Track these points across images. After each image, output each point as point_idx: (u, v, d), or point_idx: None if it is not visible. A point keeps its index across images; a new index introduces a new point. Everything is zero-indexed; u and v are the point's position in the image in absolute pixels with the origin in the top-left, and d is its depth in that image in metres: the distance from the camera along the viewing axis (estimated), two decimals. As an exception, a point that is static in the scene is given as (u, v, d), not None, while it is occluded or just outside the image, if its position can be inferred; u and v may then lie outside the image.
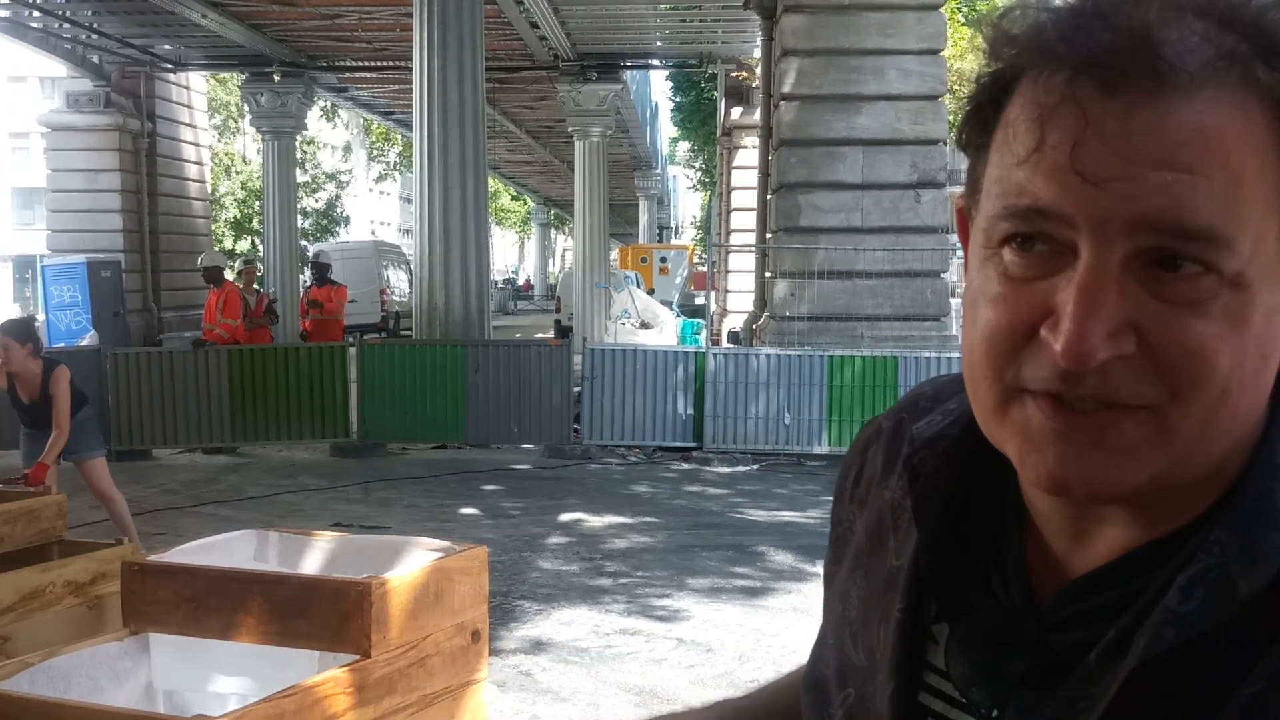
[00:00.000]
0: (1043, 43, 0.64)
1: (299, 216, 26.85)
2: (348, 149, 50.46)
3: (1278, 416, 0.67)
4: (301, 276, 22.44)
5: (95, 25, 19.97)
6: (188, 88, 23.69)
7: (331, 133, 46.34)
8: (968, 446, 0.75)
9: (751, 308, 15.40)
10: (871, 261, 11.99)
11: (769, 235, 13.47)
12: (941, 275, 12.48)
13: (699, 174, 47.01)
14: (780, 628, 5.98)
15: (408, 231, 42.00)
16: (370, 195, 57.08)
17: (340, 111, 38.83)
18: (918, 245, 12.08)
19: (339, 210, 43.67)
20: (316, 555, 3.43)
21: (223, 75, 30.73)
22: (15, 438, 7.42)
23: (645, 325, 18.96)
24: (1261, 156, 0.61)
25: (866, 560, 0.84)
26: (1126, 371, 0.61)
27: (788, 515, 9.03)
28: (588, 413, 11.83)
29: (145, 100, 21.94)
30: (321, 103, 31.84)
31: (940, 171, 12.34)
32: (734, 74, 22.90)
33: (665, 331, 18.80)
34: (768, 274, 13.40)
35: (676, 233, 69.39)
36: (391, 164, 50.09)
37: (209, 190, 26.71)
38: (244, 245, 38.04)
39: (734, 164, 23.77)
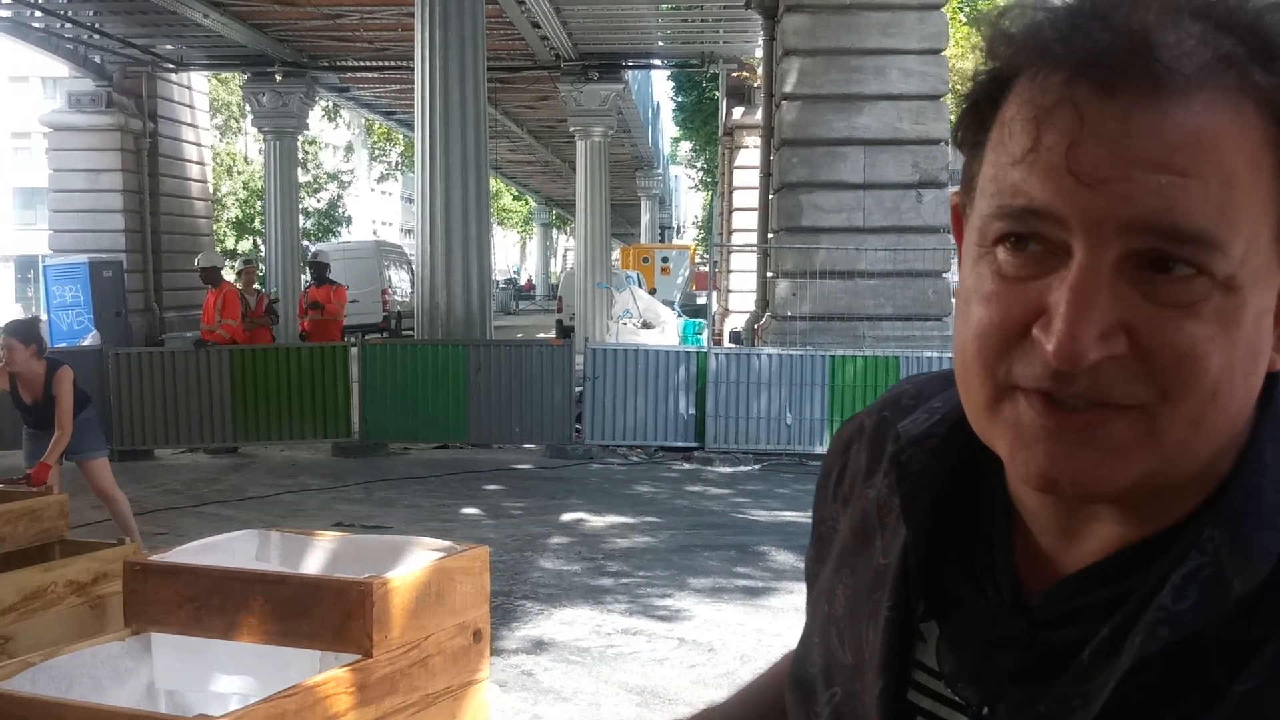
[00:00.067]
0: (1040, 42, 0.64)
1: (301, 216, 26.86)
2: (349, 149, 50.46)
3: (1267, 416, 0.67)
4: (303, 276, 22.44)
5: (97, 25, 19.99)
6: (189, 88, 23.70)
7: (333, 133, 46.35)
8: (955, 444, 0.76)
9: (753, 308, 15.41)
10: (873, 261, 11.99)
11: (770, 235, 13.47)
12: (943, 275, 12.47)
13: (700, 174, 47.03)
14: (782, 627, 5.98)
15: (409, 231, 41.98)
16: (372, 195, 57.07)
17: (342, 111, 38.84)
18: (919, 245, 12.07)
19: (341, 210, 43.69)
20: (318, 555, 3.43)
21: (224, 75, 30.75)
22: (18, 438, 7.43)
23: (647, 325, 18.97)
24: (1256, 160, 0.62)
25: (852, 559, 0.84)
26: (1118, 372, 0.62)
27: (789, 515, 9.03)
28: (589, 413, 11.84)
29: (147, 100, 21.96)
30: (323, 103, 31.88)
31: (942, 171, 12.33)
32: (735, 74, 22.89)
33: (667, 331, 18.80)
34: (769, 274, 13.40)
35: (678, 232, 69.36)
36: (393, 164, 50.11)
37: (211, 190, 26.72)
38: (246, 245, 38.07)
39: (735, 164, 23.76)
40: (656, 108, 44.51)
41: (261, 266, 22.63)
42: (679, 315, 21.10)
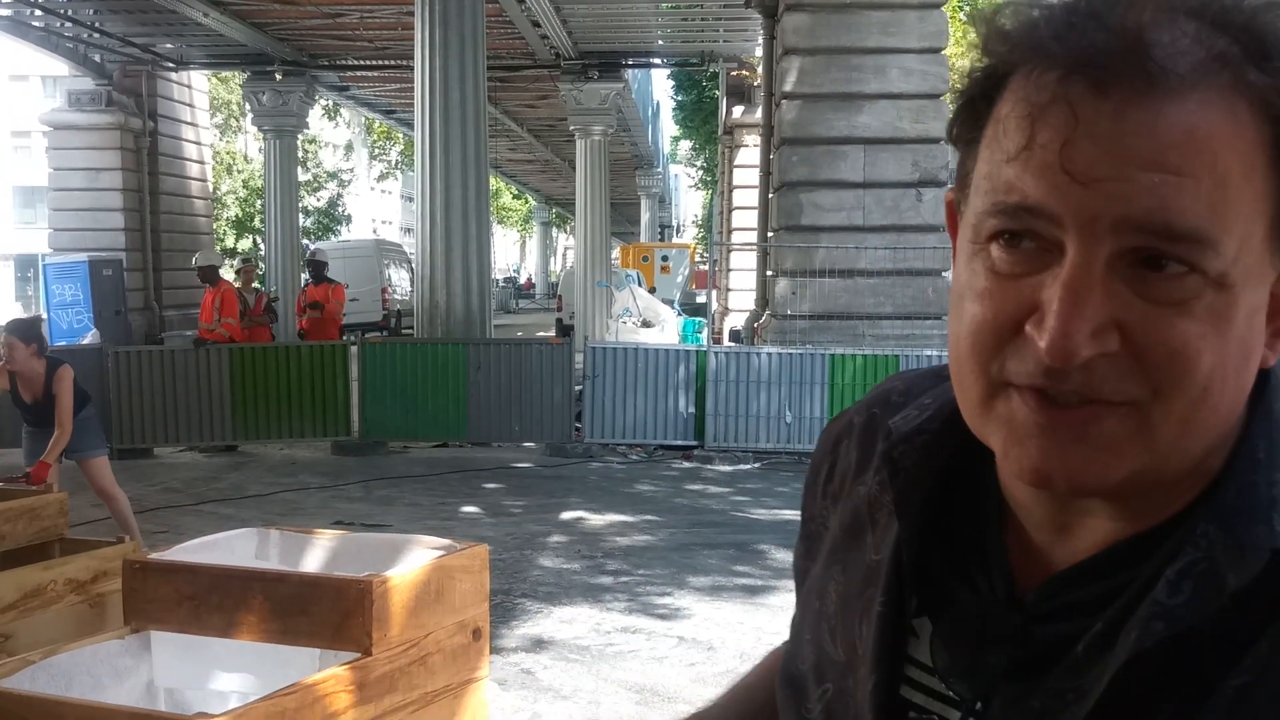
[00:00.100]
0: (1036, 40, 0.64)
1: (301, 215, 26.87)
2: (349, 148, 50.46)
3: (1259, 413, 0.68)
4: (303, 275, 22.45)
5: (97, 24, 19.99)
6: (189, 86, 23.70)
7: (333, 131, 46.38)
8: (947, 441, 0.76)
9: (753, 306, 15.41)
10: (873, 260, 11.99)
11: (770, 234, 13.47)
12: (943, 274, 12.46)
13: (700, 172, 47.06)
14: (781, 626, 5.96)
15: (409, 230, 41.96)
16: (372, 194, 57.04)
17: (342, 110, 38.87)
18: (919, 244, 12.07)
19: (340, 209, 43.71)
20: (317, 553, 3.43)
21: (224, 74, 30.74)
22: (18, 436, 7.43)
23: (647, 324, 18.98)
24: (1249, 159, 0.62)
25: (844, 555, 0.84)
26: (1110, 369, 0.62)
27: (789, 513, 9.03)
28: (589, 411, 11.84)
29: (147, 99, 21.96)
30: (323, 101, 31.89)
31: (942, 170, 12.33)
32: (735, 72, 22.88)
33: (667, 330, 18.82)
34: (769, 272, 13.40)
35: (678, 231, 69.35)
36: (393, 163, 50.14)
37: (210, 189, 26.72)
38: (246, 244, 38.09)
39: (735, 162, 23.75)
40: (656, 106, 44.52)
41: (261, 265, 22.64)
42: (679, 314, 21.12)
